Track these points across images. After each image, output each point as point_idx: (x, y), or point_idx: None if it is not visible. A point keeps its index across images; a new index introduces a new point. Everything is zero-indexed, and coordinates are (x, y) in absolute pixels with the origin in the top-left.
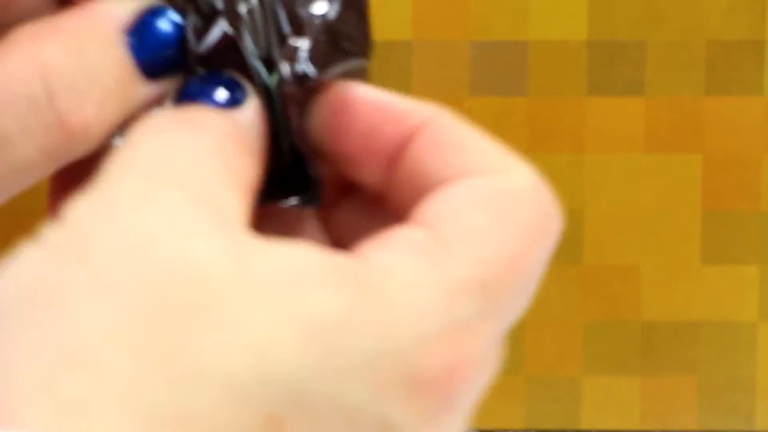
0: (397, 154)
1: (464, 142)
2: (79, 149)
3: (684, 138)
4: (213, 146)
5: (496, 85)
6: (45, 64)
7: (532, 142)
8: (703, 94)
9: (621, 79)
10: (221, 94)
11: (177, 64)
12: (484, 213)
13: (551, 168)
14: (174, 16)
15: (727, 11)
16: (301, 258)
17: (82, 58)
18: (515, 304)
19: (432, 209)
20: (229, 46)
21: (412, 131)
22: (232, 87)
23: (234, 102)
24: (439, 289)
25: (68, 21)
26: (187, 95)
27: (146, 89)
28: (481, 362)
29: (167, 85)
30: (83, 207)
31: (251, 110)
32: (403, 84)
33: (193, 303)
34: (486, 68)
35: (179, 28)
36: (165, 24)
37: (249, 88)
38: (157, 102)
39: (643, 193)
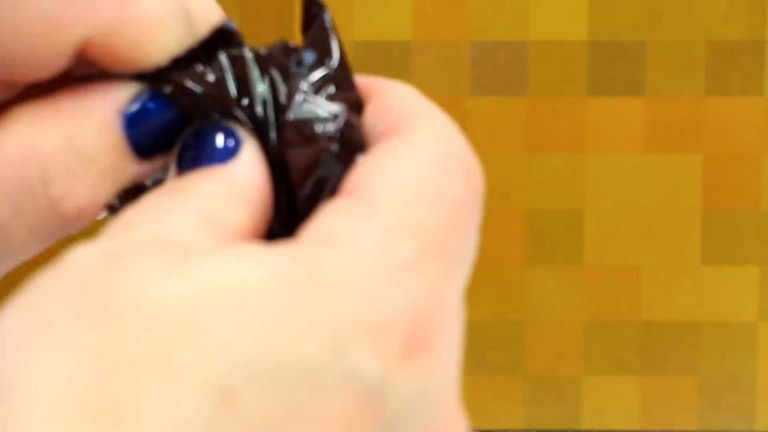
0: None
1: (385, 104)
2: (72, 229)
3: (684, 138)
4: (196, 208)
5: (496, 85)
6: (41, 150)
7: (532, 142)
8: (703, 94)
9: (621, 79)
10: (216, 149)
11: (169, 143)
12: (400, 168)
13: (551, 168)
14: (167, 100)
15: (727, 11)
16: (236, 252)
17: (78, 144)
18: (457, 244)
19: (355, 177)
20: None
21: (366, 99)
22: (226, 137)
23: (230, 154)
24: (372, 240)
25: (67, 103)
26: (186, 159)
27: (140, 168)
28: (442, 300)
29: (159, 161)
30: (39, 276)
31: (246, 158)
32: None
33: (125, 311)
34: (486, 68)
35: (172, 111)
36: (159, 107)
37: (242, 133)
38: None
39: (643, 193)
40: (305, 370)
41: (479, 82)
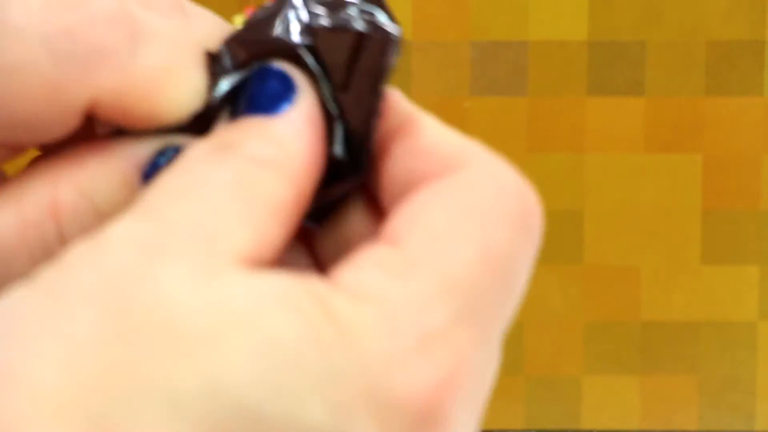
0: (382, 152)
1: (424, 144)
2: None
3: (684, 138)
4: (236, 178)
5: (496, 85)
6: (59, 206)
7: (532, 142)
8: (703, 94)
9: (621, 79)
10: (270, 97)
11: None
12: (442, 215)
13: (551, 168)
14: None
15: (727, 11)
16: (266, 284)
17: (96, 199)
18: (497, 301)
19: (396, 223)
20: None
21: (390, 135)
22: (283, 85)
23: (284, 103)
24: (407, 304)
25: (86, 158)
26: (239, 105)
27: None
28: (466, 368)
29: None
30: (76, 247)
31: (300, 111)
32: (403, 84)
33: (147, 329)
34: (486, 68)
35: None
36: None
37: (300, 81)
38: None
39: (643, 193)
40: (308, 427)
41: (479, 82)
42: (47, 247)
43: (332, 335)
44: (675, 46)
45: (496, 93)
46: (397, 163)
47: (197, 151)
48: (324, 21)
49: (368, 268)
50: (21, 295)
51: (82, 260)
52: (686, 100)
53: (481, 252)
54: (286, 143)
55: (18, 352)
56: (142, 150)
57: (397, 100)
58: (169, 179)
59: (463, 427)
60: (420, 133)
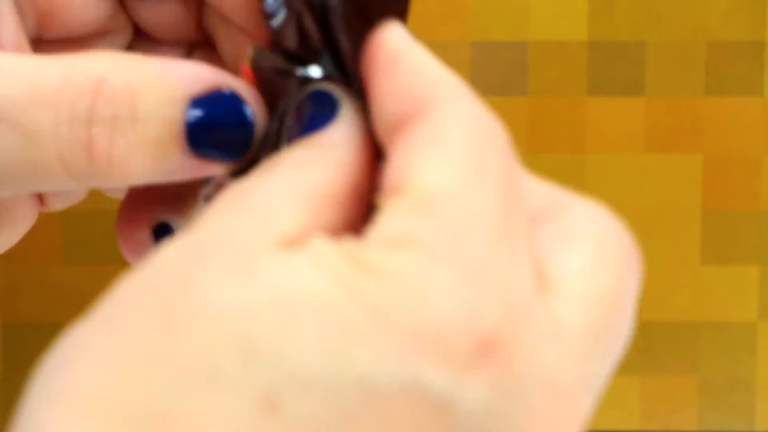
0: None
1: (400, 83)
2: (98, 181)
3: (684, 138)
4: (283, 179)
5: (496, 85)
6: (104, 84)
7: (532, 142)
8: (703, 94)
9: (621, 79)
10: (313, 118)
11: (226, 149)
12: (431, 160)
13: (551, 168)
14: (246, 108)
15: (727, 11)
16: (304, 254)
17: (138, 100)
18: (619, 345)
19: (398, 172)
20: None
21: (377, 72)
22: (326, 104)
23: (327, 119)
24: (440, 241)
25: (149, 60)
26: (289, 134)
27: (185, 161)
28: (518, 297)
29: (210, 165)
30: (166, 250)
31: (343, 122)
32: None
33: (188, 321)
34: (486, 68)
35: (245, 121)
36: (232, 108)
37: (339, 95)
38: (198, 176)
39: (643, 193)
40: (359, 377)
41: (479, 82)
42: (74, 115)
43: (370, 287)
44: (675, 46)
45: (496, 93)
46: (381, 105)
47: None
48: None
49: (390, 219)
50: (83, 329)
51: (128, 279)
52: (686, 100)
53: (473, 173)
54: (332, 148)
55: (60, 365)
56: (201, 76)
57: (387, 35)
58: (217, 203)
59: (534, 369)
60: (398, 70)
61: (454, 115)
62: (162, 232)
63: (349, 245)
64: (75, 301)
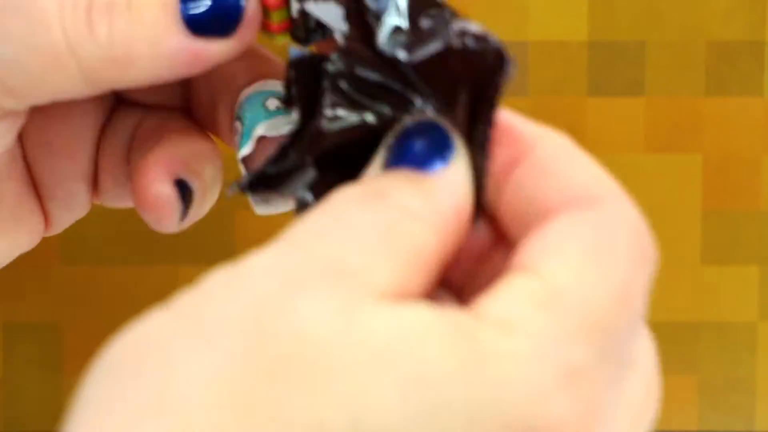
0: (503, 177)
1: (563, 169)
2: (108, 63)
3: (684, 138)
4: (383, 224)
5: None
6: None
7: None
8: (703, 94)
9: (621, 79)
10: (425, 153)
11: (224, 27)
12: (583, 251)
13: None
14: None
15: (727, 11)
16: (411, 317)
17: None
18: (628, 342)
19: (533, 252)
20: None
21: (520, 155)
22: (440, 142)
23: (439, 161)
24: (555, 338)
25: None
26: (394, 155)
27: (184, 42)
28: (602, 408)
29: (212, 43)
30: (216, 275)
31: (456, 172)
32: None
33: (289, 360)
34: None
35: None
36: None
37: (456, 140)
38: (202, 62)
39: (643, 193)
40: None
41: None
42: (76, 1)
43: (481, 369)
44: (675, 46)
45: None
46: (523, 189)
47: (346, 195)
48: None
49: (513, 300)
50: (160, 320)
51: (221, 288)
52: (686, 100)
53: (619, 292)
54: (437, 200)
55: (162, 380)
56: None
57: (510, 120)
58: (316, 217)
59: None
60: (546, 157)
61: (619, 217)
62: (181, 188)
63: (464, 320)
64: (75, 301)
